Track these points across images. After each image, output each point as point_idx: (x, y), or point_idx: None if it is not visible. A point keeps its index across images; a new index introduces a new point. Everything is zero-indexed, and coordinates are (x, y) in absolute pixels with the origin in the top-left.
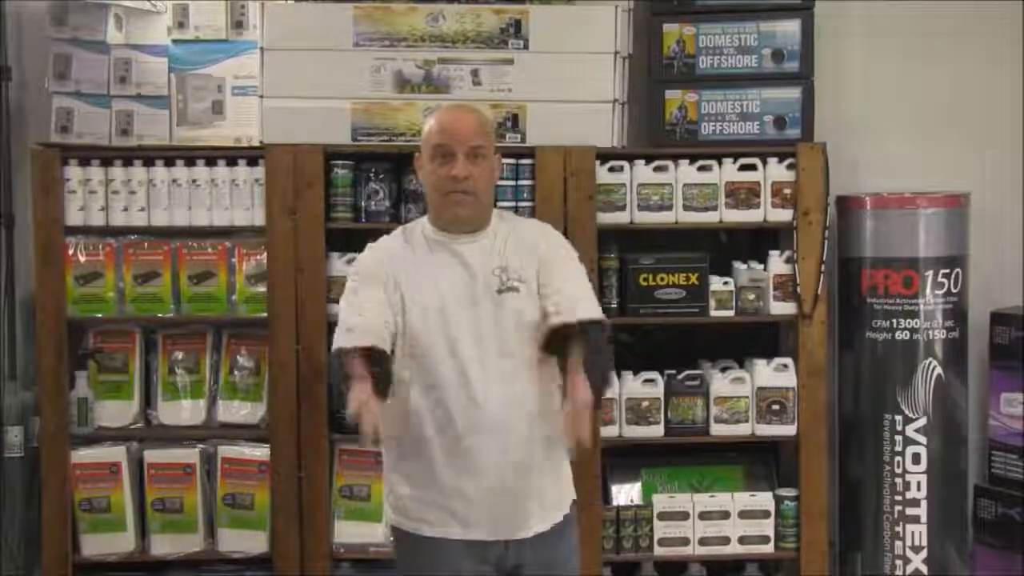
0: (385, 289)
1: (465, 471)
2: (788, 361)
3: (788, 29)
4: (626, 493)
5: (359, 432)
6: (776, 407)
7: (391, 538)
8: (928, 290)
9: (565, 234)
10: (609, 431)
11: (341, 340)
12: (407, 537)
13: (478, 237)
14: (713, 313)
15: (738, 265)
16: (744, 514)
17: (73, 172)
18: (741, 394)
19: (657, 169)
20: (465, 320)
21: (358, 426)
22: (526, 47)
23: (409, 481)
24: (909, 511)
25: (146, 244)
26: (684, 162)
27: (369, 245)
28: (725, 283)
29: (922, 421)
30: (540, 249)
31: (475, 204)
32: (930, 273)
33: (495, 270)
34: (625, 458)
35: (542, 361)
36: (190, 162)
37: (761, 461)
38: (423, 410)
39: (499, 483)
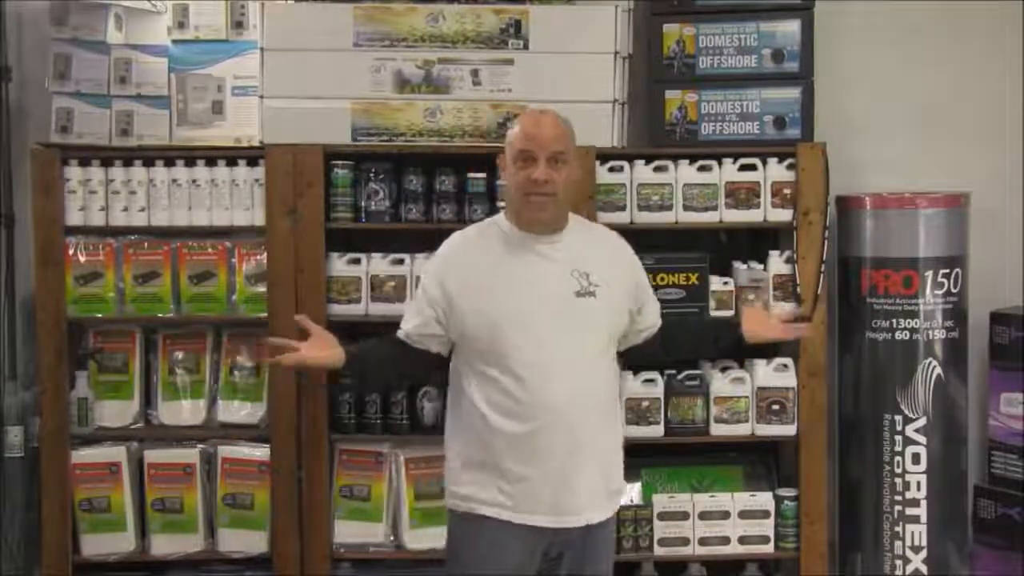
0: (433, 305)
1: (528, 460)
2: (788, 361)
3: (788, 29)
4: (626, 493)
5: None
6: (776, 407)
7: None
8: (928, 290)
9: None
10: None
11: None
12: (462, 519)
13: (559, 238)
14: (713, 313)
15: (738, 265)
16: (744, 514)
17: (73, 172)
18: (741, 394)
19: (657, 169)
20: (540, 318)
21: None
22: (526, 47)
23: (471, 468)
24: (909, 511)
25: (146, 244)
26: (684, 162)
27: (445, 243)
28: (725, 283)
29: (922, 421)
30: (631, 270)
31: (553, 206)
32: (930, 273)
33: (574, 272)
34: (625, 458)
35: (609, 362)
36: (190, 162)
37: (761, 461)
38: (489, 401)
39: (559, 473)
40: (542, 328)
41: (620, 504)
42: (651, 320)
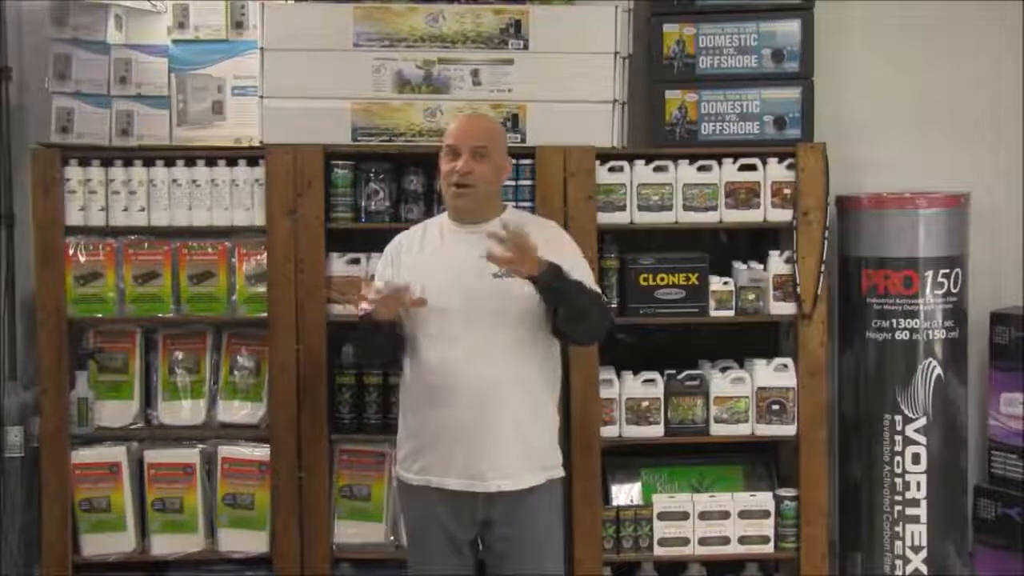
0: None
1: (444, 430)
2: (788, 361)
3: (788, 29)
4: (626, 493)
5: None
6: (776, 407)
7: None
8: (928, 290)
9: None
10: (609, 431)
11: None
12: (403, 486)
13: (485, 227)
14: (713, 313)
15: (738, 265)
16: (744, 514)
17: (73, 172)
18: (741, 394)
19: (657, 169)
20: (460, 297)
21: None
22: (526, 47)
23: (409, 435)
24: (909, 511)
25: (146, 244)
26: (684, 162)
27: (394, 238)
28: (725, 283)
29: (922, 421)
30: (554, 248)
31: (473, 196)
32: (930, 273)
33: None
34: (625, 458)
35: (539, 339)
36: (190, 162)
37: (761, 461)
38: (420, 372)
39: (471, 442)
40: (459, 305)
41: (555, 476)
42: None
